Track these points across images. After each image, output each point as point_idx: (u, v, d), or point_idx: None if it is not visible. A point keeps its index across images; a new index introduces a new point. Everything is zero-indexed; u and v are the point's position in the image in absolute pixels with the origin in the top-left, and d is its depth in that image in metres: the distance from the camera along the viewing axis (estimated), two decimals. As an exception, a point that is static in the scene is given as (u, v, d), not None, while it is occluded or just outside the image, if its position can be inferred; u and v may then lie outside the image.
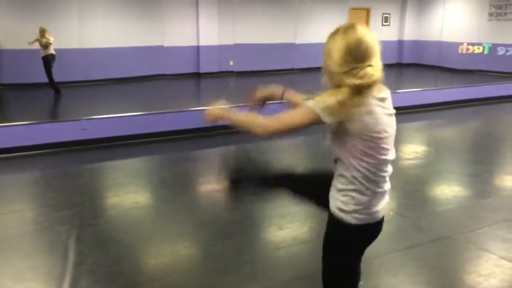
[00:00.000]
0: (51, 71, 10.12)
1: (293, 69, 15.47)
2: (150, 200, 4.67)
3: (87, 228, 3.84)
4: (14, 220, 4.04)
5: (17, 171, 5.56)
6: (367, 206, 1.78)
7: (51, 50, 10.06)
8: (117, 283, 3.01)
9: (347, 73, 1.67)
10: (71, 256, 3.36)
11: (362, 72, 1.66)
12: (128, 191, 4.75)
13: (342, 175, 1.79)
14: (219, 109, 1.94)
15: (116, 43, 12.63)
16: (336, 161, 1.83)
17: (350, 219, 1.79)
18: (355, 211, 1.78)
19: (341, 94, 1.64)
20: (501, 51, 14.33)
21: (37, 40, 9.98)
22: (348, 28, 1.72)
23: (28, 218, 4.11)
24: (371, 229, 1.87)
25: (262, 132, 1.77)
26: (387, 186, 1.84)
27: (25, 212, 4.26)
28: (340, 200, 1.80)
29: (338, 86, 1.69)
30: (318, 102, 1.68)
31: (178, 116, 7.30)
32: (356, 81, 1.65)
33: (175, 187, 4.89)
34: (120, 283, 3.01)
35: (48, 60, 10.05)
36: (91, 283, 3.02)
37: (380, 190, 1.80)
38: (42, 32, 9.94)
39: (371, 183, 1.76)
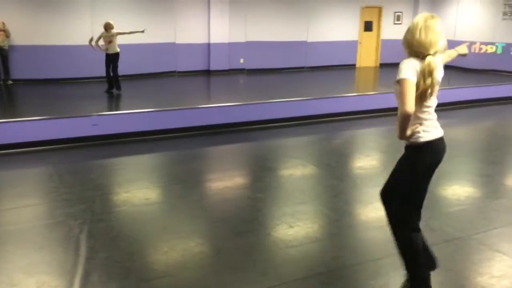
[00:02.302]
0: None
1: (304, 68, 15.43)
2: (161, 197, 4.69)
3: (98, 223, 3.87)
4: (28, 214, 4.08)
5: (30, 166, 5.62)
6: None
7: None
8: (129, 278, 3.03)
9: None
10: (83, 251, 3.39)
11: None
12: (139, 187, 4.77)
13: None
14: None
15: (128, 40, 12.67)
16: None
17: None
18: None
19: None
20: (515, 51, 14.15)
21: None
22: None
23: (42, 212, 4.15)
24: None
25: (403, 117, 2.46)
26: None
27: (39, 206, 4.31)
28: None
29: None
30: None
31: (189, 113, 7.33)
32: None
33: (186, 184, 4.91)
34: (131, 279, 3.03)
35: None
36: (103, 277, 3.04)
37: None
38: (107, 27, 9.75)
39: None
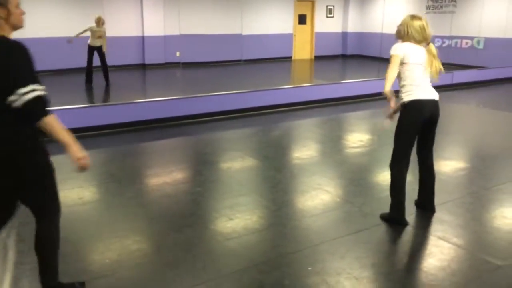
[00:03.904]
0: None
1: (240, 61, 15.47)
2: (96, 195, 4.53)
3: (28, 226, 3.66)
4: None
5: None
6: None
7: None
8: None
9: None
10: (11, 256, 3.19)
11: None
12: (71, 187, 4.57)
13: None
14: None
15: (55, 33, 12.07)
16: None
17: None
18: None
19: None
20: (437, 43, 15.05)
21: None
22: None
23: (-38, 218, 3.86)
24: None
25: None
26: None
27: (-42, 212, 4.00)
28: None
29: None
30: None
31: (124, 108, 7.11)
32: None
33: (122, 181, 4.77)
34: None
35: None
36: (33, 283, 2.90)
37: None
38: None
39: None
